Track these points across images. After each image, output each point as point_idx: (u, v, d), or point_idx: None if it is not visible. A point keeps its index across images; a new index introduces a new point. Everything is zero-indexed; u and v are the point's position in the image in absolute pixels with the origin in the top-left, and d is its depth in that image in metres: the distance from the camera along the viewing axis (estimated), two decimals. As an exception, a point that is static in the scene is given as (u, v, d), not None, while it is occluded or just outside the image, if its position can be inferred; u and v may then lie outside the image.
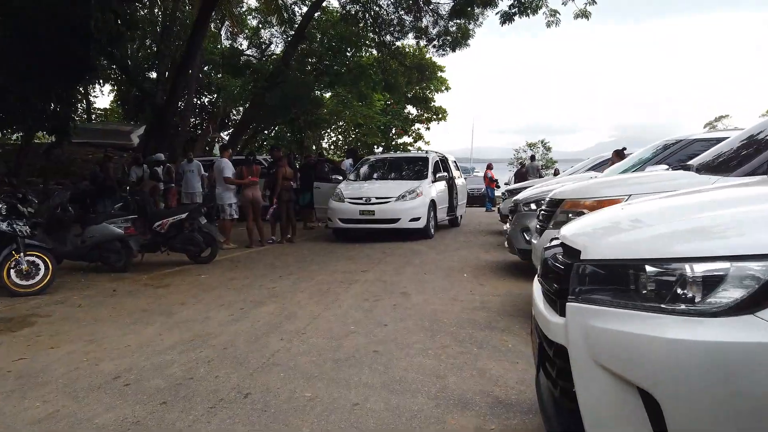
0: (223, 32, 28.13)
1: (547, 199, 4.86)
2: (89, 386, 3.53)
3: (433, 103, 34.64)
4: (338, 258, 8.67)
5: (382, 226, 10.34)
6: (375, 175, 11.78)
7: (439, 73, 31.90)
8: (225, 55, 27.63)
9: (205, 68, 30.21)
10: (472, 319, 4.92)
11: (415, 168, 11.71)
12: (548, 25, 16.75)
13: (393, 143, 34.56)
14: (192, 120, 30.78)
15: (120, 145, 23.22)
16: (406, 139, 36.36)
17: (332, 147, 36.63)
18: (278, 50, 27.53)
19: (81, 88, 18.43)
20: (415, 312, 5.20)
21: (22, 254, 6.26)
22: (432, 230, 10.87)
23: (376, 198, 10.37)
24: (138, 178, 12.35)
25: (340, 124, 34.37)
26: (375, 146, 33.23)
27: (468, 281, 6.64)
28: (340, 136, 37.39)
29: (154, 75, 27.56)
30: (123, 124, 28.40)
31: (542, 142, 35.79)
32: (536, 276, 2.62)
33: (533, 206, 6.48)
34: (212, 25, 28.28)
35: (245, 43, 30.97)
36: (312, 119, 27.83)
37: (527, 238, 6.39)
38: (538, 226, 4.87)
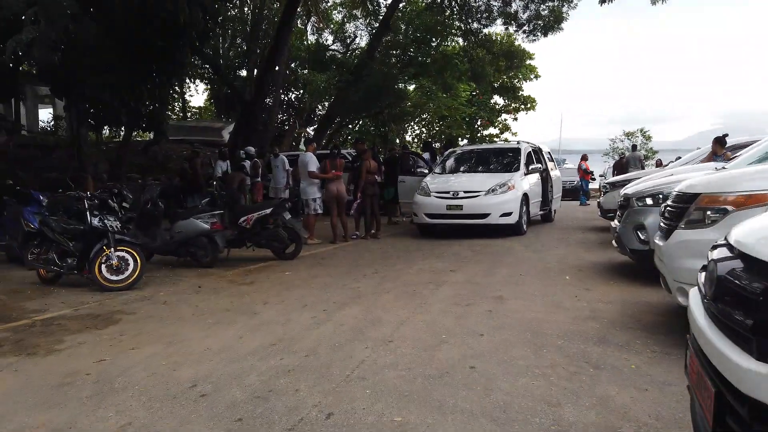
0: (309, 27, 28.45)
1: (674, 192, 4.13)
2: (165, 395, 3.31)
3: (521, 93, 33.30)
4: (424, 256, 8.22)
5: (470, 222, 9.77)
6: (462, 168, 11.19)
7: (528, 61, 30.61)
8: (311, 51, 27.92)
9: (292, 65, 30.76)
10: (582, 331, 4.30)
11: (506, 159, 11.00)
12: (653, 2, 15.32)
13: (478, 135, 33.61)
14: (279, 116, 31.50)
15: (212, 141, 24.10)
16: (491, 130, 35.25)
17: (416, 140, 36.18)
18: (363, 44, 27.51)
19: (176, 86, 19.13)
20: (514, 320, 4.64)
21: (112, 249, 6.30)
22: (524, 226, 10.16)
23: (465, 192, 9.80)
24: (223, 173, 12.49)
25: (424, 116, 33.89)
26: (460, 138, 32.43)
27: (571, 285, 5.96)
28: (423, 129, 36.90)
29: (244, 73, 28.41)
30: (215, 121, 29.52)
31: (641, 131, 33.32)
32: (694, 292, 2.03)
33: (648, 201, 5.70)
34: (298, 21, 28.72)
35: (330, 39, 31.27)
36: (395, 112, 27.55)
37: (642, 238, 5.64)
38: (663, 224, 4.16)
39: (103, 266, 6.31)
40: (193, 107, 37.35)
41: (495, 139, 35.04)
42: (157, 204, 8.10)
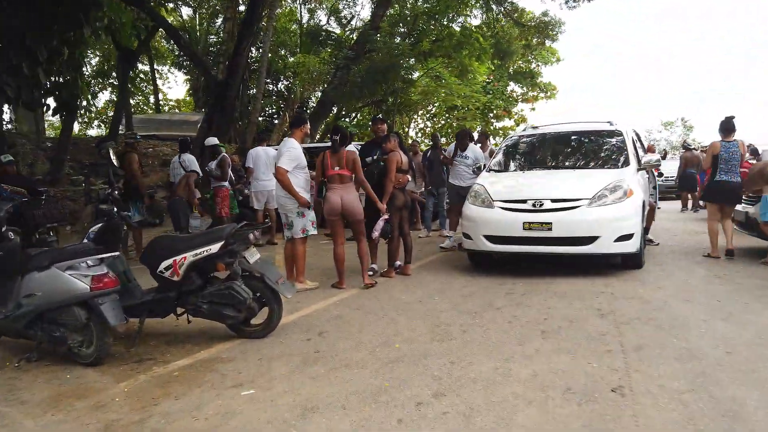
0: (298, 4, 24.58)
1: None
2: None
3: (539, 79, 29.42)
4: (506, 321, 4.39)
5: (563, 250, 5.92)
6: (536, 162, 7.32)
7: (547, 43, 26.68)
8: (302, 30, 24.11)
9: (281, 51, 27.00)
10: None
11: (603, 148, 7.16)
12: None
13: (492, 127, 29.75)
14: (267, 109, 27.72)
15: (187, 136, 20.37)
16: (507, 122, 31.42)
17: (420, 135, 32.41)
18: (362, 21, 23.65)
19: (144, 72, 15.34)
20: None
21: None
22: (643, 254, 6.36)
23: (553, 200, 5.96)
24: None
25: (429, 108, 30.07)
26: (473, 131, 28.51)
27: None
28: (428, 122, 33.08)
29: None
30: (192, 114, 25.72)
31: (683, 120, 29.47)
32: None
33: None
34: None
35: (324, 19, 27.45)
36: (401, 101, 23.71)
37: None
38: None
39: None
40: (170, 100, 33.49)
41: (509, 131, 31.25)
42: (3, 235, 4.24)
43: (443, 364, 3.56)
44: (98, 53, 24.15)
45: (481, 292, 5.50)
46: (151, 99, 31.63)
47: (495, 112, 29.19)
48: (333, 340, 4.17)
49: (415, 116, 31.46)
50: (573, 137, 7.49)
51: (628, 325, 4.21)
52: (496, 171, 7.22)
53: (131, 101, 29.71)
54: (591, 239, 5.79)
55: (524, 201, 6.08)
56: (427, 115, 32.44)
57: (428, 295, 5.50)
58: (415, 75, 22.33)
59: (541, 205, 5.95)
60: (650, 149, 10.13)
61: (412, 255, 6.69)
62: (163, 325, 4.54)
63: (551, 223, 5.85)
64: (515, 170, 7.20)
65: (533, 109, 31.11)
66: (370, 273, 6.35)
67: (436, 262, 7.39)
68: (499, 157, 7.52)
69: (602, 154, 7.03)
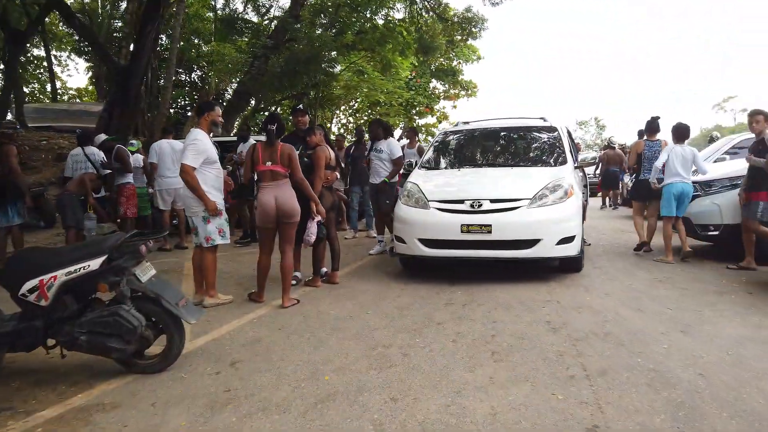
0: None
1: None
2: None
3: (461, 77, 29.57)
4: (452, 339, 3.86)
5: (504, 255, 5.49)
6: (470, 159, 6.87)
7: (469, 40, 26.79)
8: (218, 18, 22.70)
9: (196, 40, 25.44)
10: None
11: (539, 146, 6.82)
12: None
13: (415, 124, 29.60)
14: (179, 100, 26.09)
15: (86, 128, 18.60)
16: (429, 119, 31.41)
17: (342, 130, 31.75)
18: (280, 12, 22.57)
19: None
20: None
21: None
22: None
23: (492, 200, 5.51)
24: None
25: (351, 104, 29.55)
26: (395, 129, 28.21)
27: None
28: (350, 118, 32.52)
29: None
30: (94, 104, 23.62)
31: (596, 120, 30.55)
32: None
33: None
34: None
35: (241, 7, 26.08)
36: (323, 95, 22.96)
37: None
38: None
39: None
40: (70, 88, 30.80)
41: (432, 129, 31.32)
42: None
43: (384, 402, 2.95)
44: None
45: (418, 304, 4.95)
46: (48, 87, 28.90)
47: (417, 108, 29.07)
48: (248, 372, 3.45)
49: (338, 111, 30.79)
50: (508, 133, 7.11)
51: (585, 341, 3.78)
52: (427, 169, 6.71)
53: (25, 89, 26.99)
54: (533, 242, 5.39)
55: (462, 201, 5.59)
56: (350, 111, 31.88)
57: (360, 308, 4.87)
58: (338, 68, 21.62)
59: (480, 205, 5.49)
60: (577, 147, 10.09)
61: (339, 261, 6.04)
62: (33, 358, 3.63)
63: (491, 225, 5.39)
64: (446, 168, 6.72)
65: (455, 106, 31.31)
66: (294, 282, 5.64)
67: (366, 268, 6.79)
68: (431, 153, 7.01)
69: (538, 152, 6.69)
